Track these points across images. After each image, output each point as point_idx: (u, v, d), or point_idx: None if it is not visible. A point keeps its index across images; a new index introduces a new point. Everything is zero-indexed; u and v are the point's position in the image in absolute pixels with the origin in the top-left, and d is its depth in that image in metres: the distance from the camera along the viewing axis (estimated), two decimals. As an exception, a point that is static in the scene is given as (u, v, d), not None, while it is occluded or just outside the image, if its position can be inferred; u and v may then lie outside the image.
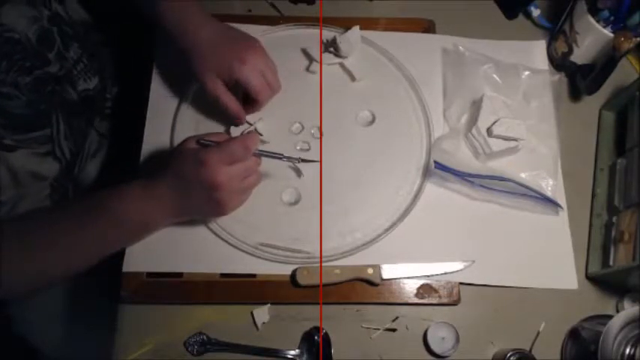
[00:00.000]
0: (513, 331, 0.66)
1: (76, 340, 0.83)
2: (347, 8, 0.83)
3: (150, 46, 0.77)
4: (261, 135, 0.71)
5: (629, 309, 0.57)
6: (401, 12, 0.84)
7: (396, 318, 0.65)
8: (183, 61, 0.67)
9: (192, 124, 0.73)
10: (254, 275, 0.66)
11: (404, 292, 0.66)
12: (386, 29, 0.81)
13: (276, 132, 0.72)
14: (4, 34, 0.60)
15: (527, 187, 0.69)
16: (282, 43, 0.78)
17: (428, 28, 0.82)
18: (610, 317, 0.57)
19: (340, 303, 0.66)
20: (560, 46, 0.79)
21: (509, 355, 0.62)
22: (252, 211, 0.67)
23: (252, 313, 0.65)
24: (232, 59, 0.65)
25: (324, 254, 0.66)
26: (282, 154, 0.64)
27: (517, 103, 0.75)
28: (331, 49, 0.77)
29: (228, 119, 0.71)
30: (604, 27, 0.72)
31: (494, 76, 0.76)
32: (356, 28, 0.76)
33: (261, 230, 0.67)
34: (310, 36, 0.79)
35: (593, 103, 0.78)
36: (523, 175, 0.71)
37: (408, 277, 0.66)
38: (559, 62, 0.80)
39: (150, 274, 0.65)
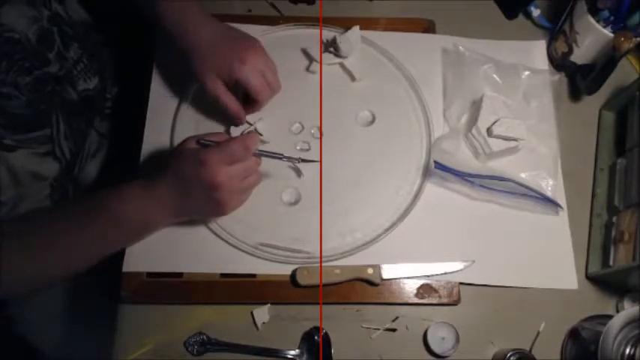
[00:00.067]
0: (513, 331, 0.66)
1: (76, 340, 0.83)
2: (347, 8, 0.83)
3: (150, 46, 0.77)
4: (261, 135, 0.71)
5: (629, 309, 0.57)
6: (401, 12, 0.84)
7: (396, 318, 0.65)
8: (183, 61, 0.67)
9: (192, 124, 0.73)
10: (254, 275, 0.66)
11: (404, 292, 0.66)
12: (386, 29, 0.81)
13: (276, 132, 0.72)
14: (4, 34, 0.60)
15: (527, 187, 0.69)
16: (282, 43, 0.78)
17: (428, 28, 0.82)
18: (610, 317, 0.57)
19: (340, 303, 0.66)
20: (560, 46, 0.79)
21: (509, 355, 0.61)
22: (252, 211, 0.67)
23: (252, 313, 0.65)
24: (232, 59, 0.65)
25: (324, 254, 0.66)
26: (282, 154, 0.64)
27: (517, 103, 0.75)
28: (331, 49, 0.77)
29: (228, 119, 0.71)
30: (604, 27, 0.72)
31: (494, 76, 0.76)
32: (356, 28, 0.76)
33: (261, 230, 0.67)
34: (310, 36, 0.79)
35: (593, 103, 0.78)
36: (523, 175, 0.71)
37: (408, 277, 0.66)
38: (559, 62, 0.80)
39: (150, 274, 0.65)
